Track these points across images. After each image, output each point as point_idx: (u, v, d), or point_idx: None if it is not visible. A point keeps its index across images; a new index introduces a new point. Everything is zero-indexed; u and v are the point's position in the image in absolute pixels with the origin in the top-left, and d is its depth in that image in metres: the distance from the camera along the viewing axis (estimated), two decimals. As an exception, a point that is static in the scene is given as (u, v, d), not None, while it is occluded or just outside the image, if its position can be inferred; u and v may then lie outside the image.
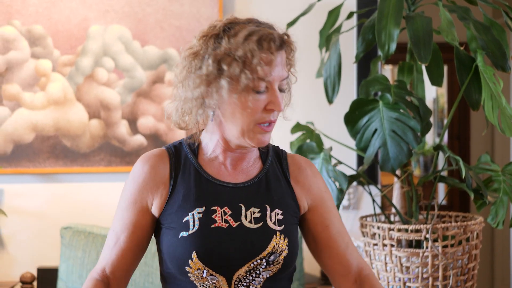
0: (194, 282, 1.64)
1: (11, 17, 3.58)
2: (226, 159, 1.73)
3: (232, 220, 1.65)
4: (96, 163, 3.61)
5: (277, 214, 1.69)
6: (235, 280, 1.64)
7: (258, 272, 1.64)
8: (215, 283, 1.63)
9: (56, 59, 3.60)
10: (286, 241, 1.67)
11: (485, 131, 3.08)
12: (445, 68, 4.79)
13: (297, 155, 1.83)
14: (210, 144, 1.73)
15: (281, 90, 1.65)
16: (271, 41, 1.61)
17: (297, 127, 3.03)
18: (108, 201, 3.64)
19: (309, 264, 3.65)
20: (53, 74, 3.59)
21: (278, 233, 1.66)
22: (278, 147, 1.83)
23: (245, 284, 1.65)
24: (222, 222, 1.64)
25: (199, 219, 1.64)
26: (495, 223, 2.89)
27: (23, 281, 3.48)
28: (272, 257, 1.63)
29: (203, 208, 1.66)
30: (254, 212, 1.67)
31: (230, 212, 1.66)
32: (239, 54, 1.58)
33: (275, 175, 1.75)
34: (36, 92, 3.59)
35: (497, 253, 4.97)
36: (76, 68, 3.59)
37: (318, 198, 1.79)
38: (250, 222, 1.65)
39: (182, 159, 1.73)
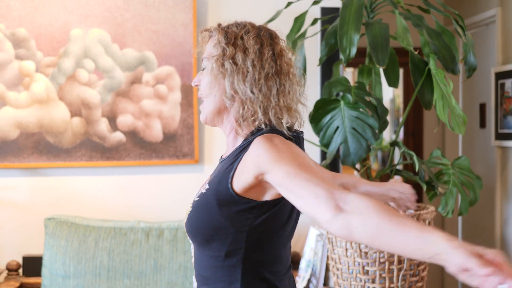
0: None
1: None
2: None
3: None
4: (77, 158, 3.59)
5: (205, 188, 1.71)
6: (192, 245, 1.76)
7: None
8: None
9: (39, 60, 3.57)
10: (189, 210, 1.72)
11: (437, 128, 3.15)
12: (401, 71, 4.82)
13: (261, 137, 1.63)
14: None
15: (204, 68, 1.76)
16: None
17: (265, 124, 3.05)
18: (89, 194, 3.65)
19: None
20: (36, 75, 3.56)
21: (192, 203, 1.73)
22: (265, 133, 1.66)
23: (192, 249, 1.77)
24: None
25: None
26: (445, 212, 2.96)
27: (9, 269, 3.48)
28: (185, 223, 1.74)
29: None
30: (203, 187, 1.74)
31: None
32: None
33: (231, 158, 1.69)
34: (20, 92, 3.56)
35: (447, 239, 5.06)
36: (58, 69, 3.57)
37: (258, 173, 1.60)
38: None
39: None
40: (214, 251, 1.68)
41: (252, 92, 1.66)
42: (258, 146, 1.59)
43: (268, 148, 1.57)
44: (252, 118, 1.67)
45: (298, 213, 1.74)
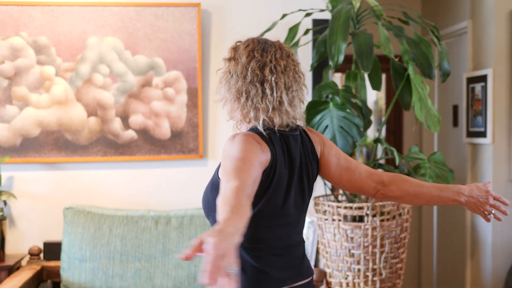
0: None
1: (19, 29, 3.53)
2: None
3: None
4: (93, 154, 3.59)
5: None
6: None
7: None
8: None
9: (58, 65, 3.56)
10: None
11: (415, 127, 3.20)
12: (383, 76, 4.79)
13: (230, 136, 1.74)
14: None
15: None
16: None
17: (263, 123, 3.06)
18: (104, 186, 3.66)
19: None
20: (56, 78, 3.56)
21: None
22: (243, 132, 1.77)
23: None
24: None
25: None
26: (423, 201, 3.00)
27: (31, 253, 3.49)
28: None
29: None
30: None
31: None
32: None
33: None
34: (41, 94, 3.55)
35: (423, 225, 5.04)
36: (76, 74, 3.56)
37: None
38: None
39: None
40: (212, 225, 1.79)
41: (236, 97, 1.76)
42: (225, 143, 1.70)
43: (227, 144, 1.67)
44: (241, 119, 1.78)
45: (279, 200, 1.75)
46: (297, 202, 1.81)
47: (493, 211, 1.88)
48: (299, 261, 1.82)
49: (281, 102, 1.75)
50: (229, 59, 1.80)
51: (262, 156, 1.66)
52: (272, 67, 1.75)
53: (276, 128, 1.76)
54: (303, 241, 1.88)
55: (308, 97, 3.55)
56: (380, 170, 1.85)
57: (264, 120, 1.75)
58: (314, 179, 1.87)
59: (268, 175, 1.70)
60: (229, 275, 1.23)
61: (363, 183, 1.89)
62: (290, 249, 1.80)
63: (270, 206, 1.73)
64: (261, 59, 1.76)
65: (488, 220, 1.90)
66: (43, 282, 3.44)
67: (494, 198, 1.89)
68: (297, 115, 1.81)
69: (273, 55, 1.77)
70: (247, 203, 1.45)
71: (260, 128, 1.73)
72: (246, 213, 1.40)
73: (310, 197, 1.87)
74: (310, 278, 1.83)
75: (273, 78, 1.74)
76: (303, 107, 1.85)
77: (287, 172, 1.75)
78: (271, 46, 1.80)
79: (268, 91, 1.74)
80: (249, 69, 1.75)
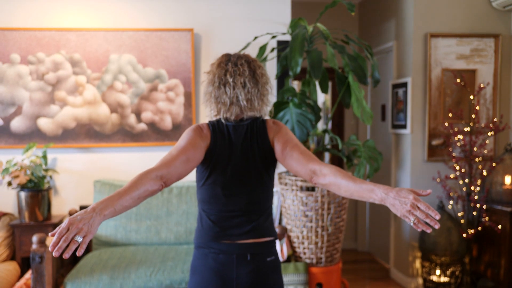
0: None
1: (59, 48, 3.40)
2: None
3: None
4: (115, 141, 3.47)
5: None
6: None
7: None
8: None
9: (89, 75, 3.44)
10: None
11: (353, 121, 3.09)
12: (330, 83, 4.76)
13: None
14: None
15: None
16: None
17: (240, 118, 2.97)
18: (122, 165, 3.54)
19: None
20: (87, 85, 3.44)
21: None
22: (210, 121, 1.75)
23: None
24: None
25: None
26: (359, 175, 2.90)
27: (70, 214, 3.38)
28: None
29: None
30: None
31: None
32: None
33: None
34: (76, 96, 3.43)
35: (360, 193, 5.02)
36: (102, 81, 3.44)
37: None
38: None
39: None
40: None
41: (206, 99, 1.66)
42: None
43: None
44: (209, 114, 1.69)
45: (219, 178, 1.61)
46: (240, 174, 1.62)
47: (413, 220, 1.26)
48: (233, 224, 1.62)
49: (237, 98, 1.61)
50: (208, 72, 1.68)
51: (200, 141, 1.58)
52: (219, 74, 1.63)
53: (223, 120, 1.64)
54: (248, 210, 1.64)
55: (273, 98, 3.48)
56: (324, 162, 1.55)
57: (218, 114, 1.66)
58: (266, 157, 1.65)
59: (211, 152, 1.61)
60: (75, 242, 1.14)
61: (298, 170, 1.59)
62: (224, 213, 1.64)
63: (213, 176, 1.62)
64: (225, 67, 1.64)
65: (415, 226, 1.28)
66: (78, 235, 3.33)
67: (419, 208, 1.26)
68: (253, 108, 1.63)
69: (221, 66, 1.65)
70: (144, 181, 1.35)
71: (212, 120, 1.66)
72: (133, 190, 1.33)
73: (265, 170, 1.65)
74: (253, 240, 1.62)
75: (231, 80, 1.61)
76: (266, 101, 1.66)
77: (227, 151, 1.63)
78: (234, 57, 1.67)
79: (227, 89, 1.63)
80: (216, 76, 1.64)
